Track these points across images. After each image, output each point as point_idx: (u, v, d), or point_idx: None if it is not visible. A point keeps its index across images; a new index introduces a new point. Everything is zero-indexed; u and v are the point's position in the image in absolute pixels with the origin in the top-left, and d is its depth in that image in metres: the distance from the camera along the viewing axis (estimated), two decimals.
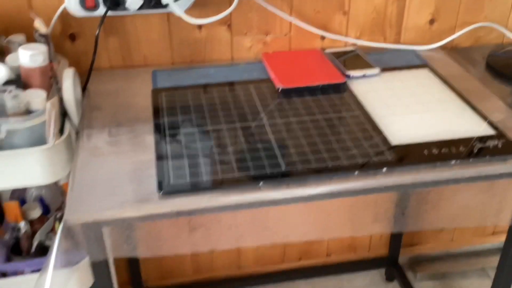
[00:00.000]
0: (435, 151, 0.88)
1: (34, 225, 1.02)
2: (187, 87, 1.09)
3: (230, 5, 1.11)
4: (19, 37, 1.02)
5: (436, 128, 0.95)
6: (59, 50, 1.12)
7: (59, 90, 0.93)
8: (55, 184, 1.08)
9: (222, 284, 1.60)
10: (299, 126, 0.95)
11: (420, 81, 1.12)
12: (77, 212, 0.78)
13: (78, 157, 0.89)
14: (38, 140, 0.86)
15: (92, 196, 0.80)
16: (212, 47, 1.21)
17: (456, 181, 0.86)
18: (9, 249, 1.00)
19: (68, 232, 0.79)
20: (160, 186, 0.81)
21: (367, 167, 0.85)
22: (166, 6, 1.06)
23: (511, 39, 1.31)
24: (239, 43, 1.21)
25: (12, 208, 0.99)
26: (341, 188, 0.83)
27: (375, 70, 1.14)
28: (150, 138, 0.93)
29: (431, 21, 1.27)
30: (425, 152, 0.88)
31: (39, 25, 0.98)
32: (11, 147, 0.85)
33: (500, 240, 1.74)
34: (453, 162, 0.86)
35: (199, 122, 0.97)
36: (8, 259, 0.99)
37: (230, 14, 1.15)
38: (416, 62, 1.20)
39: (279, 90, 1.07)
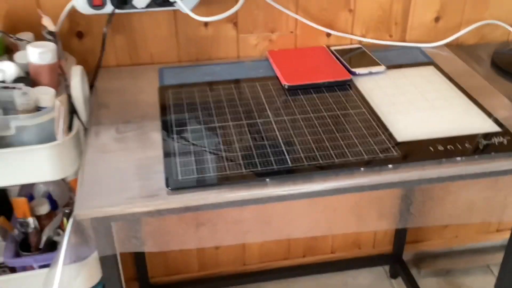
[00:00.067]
0: (440, 147, 0.89)
1: (42, 221, 1.03)
2: (193, 84, 1.10)
3: (236, 3, 1.11)
4: (27, 35, 1.03)
5: (441, 125, 0.96)
6: (67, 48, 1.13)
7: (67, 88, 0.94)
8: (63, 180, 1.10)
9: (227, 280, 1.61)
10: (305, 123, 0.96)
11: (425, 78, 1.12)
12: (86, 207, 0.79)
13: (86, 154, 0.90)
14: (47, 136, 0.87)
15: (101, 192, 0.81)
16: (218, 45, 1.21)
17: (461, 177, 0.87)
18: (18, 245, 1.01)
19: (78, 227, 0.80)
20: (167, 182, 0.82)
21: (373, 163, 0.86)
22: (173, 3, 1.06)
23: None
24: (245, 41, 1.22)
25: (20, 204, 1.00)
26: (347, 184, 0.84)
27: (381, 68, 1.14)
28: (157, 135, 0.94)
29: (437, 19, 1.28)
30: (431, 148, 0.89)
31: (47, 23, 0.99)
32: (21, 143, 0.86)
33: (504, 237, 1.75)
34: (458, 158, 0.87)
35: (205, 119, 0.98)
36: (17, 255, 1.00)
37: (237, 12, 1.15)
38: (421, 60, 1.21)
39: (285, 88, 1.08)
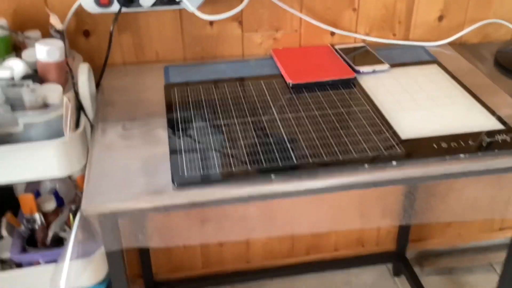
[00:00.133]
0: (444, 145, 0.89)
1: (48, 217, 1.04)
2: (199, 82, 1.11)
3: (241, 1, 1.12)
4: (35, 33, 1.04)
5: (445, 122, 0.96)
6: (74, 46, 1.14)
7: (74, 85, 0.95)
8: (69, 177, 1.10)
9: (230, 277, 1.62)
10: (310, 121, 0.97)
11: (429, 76, 1.13)
12: (93, 203, 0.80)
13: (93, 150, 0.91)
14: (54, 133, 0.88)
15: (107, 188, 0.82)
16: (223, 43, 1.22)
17: (464, 174, 0.87)
18: (25, 241, 1.02)
19: (85, 223, 0.81)
20: (174, 178, 0.83)
21: (377, 160, 0.86)
22: (179, 2, 1.07)
23: None
24: (250, 39, 1.23)
25: (27, 200, 1.01)
26: (351, 181, 0.84)
27: (385, 66, 1.15)
28: (163, 132, 0.95)
29: (440, 18, 1.28)
30: (434, 146, 0.89)
31: (55, 21, 1.00)
32: (28, 140, 0.87)
33: (507, 235, 1.75)
34: (462, 155, 0.87)
35: (211, 117, 0.99)
36: (24, 250, 1.01)
37: (241, 10, 1.16)
38: (425, 58, 1.21)
39: (290, 85, 1.09)
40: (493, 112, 1.00)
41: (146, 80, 1.13)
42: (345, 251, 1.68)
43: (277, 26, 1.22)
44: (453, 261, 1.70)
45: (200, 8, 1.09)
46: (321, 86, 1.09)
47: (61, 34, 0.98)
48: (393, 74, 1.14)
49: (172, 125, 0.96)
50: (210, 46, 1.22)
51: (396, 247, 1.68)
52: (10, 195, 1.12)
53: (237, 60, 1.21)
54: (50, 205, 1.04)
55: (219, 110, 1.01)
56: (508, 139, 0.91)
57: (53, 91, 0.89)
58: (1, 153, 0.85)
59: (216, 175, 0.83)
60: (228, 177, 0.83)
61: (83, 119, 0.95)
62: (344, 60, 1.17)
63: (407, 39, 1.29)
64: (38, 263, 1.00)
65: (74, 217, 1.02)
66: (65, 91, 0.92)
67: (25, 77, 0.91)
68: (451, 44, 1.29)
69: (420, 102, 1.03)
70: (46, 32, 1.03)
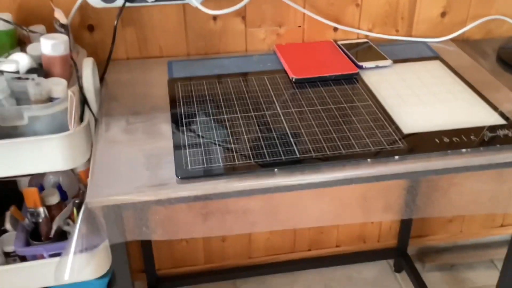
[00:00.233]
0: (446, 139, 0.90)
1: (52, 211, 1.05)
2: (202, 77, 1.11)
3: None
4: (39, 28, 1.04)
5: (447, 118, 0.97)
6: (78, 41, 1.14)
7: (79, 79, 0.96)
8: (72, 172, 1.11)
9: (232, 273, 1.62)
10: (313, 115, 0.97)
11: (431, 72, 1.13)
12: (98, 195, 0.80)
13: (97, 144, 0.91)
14: (59, 127, 0.88)
15: (112, 181, 0.83)
16: (226, 39, 1.23)
17: (466, 169, 0.88)
18: (28, 234, 1.03)
19: (89, 216, 0.81)
20: (177, 171, 0.83)
21: (379, 155, 0.87)
22: None
23: None
24: (253, 35, 1.23)
25: (31, 194, 1.01)
26: (354, 175, 0.85)
27: (387, 62, 1.15)
28: (166, 126, 0.95)
29: (443, 14, 1.29)
30: (436, 140, 0.90)
31: (59, 16, 1.00)
32: (33, 133, 0.87)
33: (508, 232, 1.75)
34: (464, 150, 0.88)
35: (214, 111, 0.99)
36: (28, 244, 1.01)
37: (245, 6, 1.17)
38: (427, 54, 1.22)
39: (293, 81, 1.09)
40: (495, 108, 1.00)
41: (150, 74, 1.13)
42: (347, 247, 1.68)
43: (280, 21, 1.23)
44: (454, 257, 1.71)
45: (204, 3, 1.10)
46: (324, 81, 1.09)
47: (65, 29, 0.99)
48: (396, 70, 1.14)
49: (175, 120, 0.97)
50: (214, 41, 1.22)
51: (398, 243, 1.68)
52: (14, 189, 1.12)
53: (240, 55, 1.22)
54: (54, 199, 1.05)
55: (222, 105, 1.01)
56: (510, 134, 0.92)
57: (57, 85, 0.89)
58: (7, 146, 0.85)
59: (219, 169, 0.84)
60: (231, 171, 0.83)
61: (87, 113, 0.96)
62: (347, 55, 1.18)
63: (410, 35, 1.30)
64: (42, 256, 1.01)
65: (77, 211, 1.03)
66: (69, 85, 0.92)
67: (30, 71, 0.92)
68: (453, 40, 1.29)
69: (423, 98, 1.04)
70: (51, 27, 1.04)
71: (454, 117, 0.97)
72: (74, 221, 1.03)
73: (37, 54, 0.95)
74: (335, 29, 1.26)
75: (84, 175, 1.06)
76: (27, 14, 1.10)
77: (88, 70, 0.96)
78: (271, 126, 0.94)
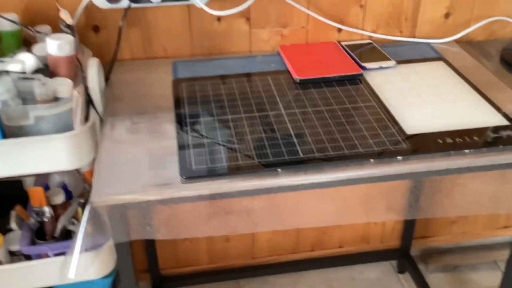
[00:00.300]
0: (449, 140, 0.90)
1: (57, 210, 1.05)
2: (206, 77, 1.12)
3: None
4: (45, 28, 1.05)
5: (450, 118, 0.97)
6: (83, 41, 1.15)
7: (84, 79, 0.96)
8: (77, 171, 1.11)
9: (236, 273, 1.63)
10: (316, 116, 0.98)
11: (435, 73, 1.13)
12: (102, 194, 0.81)
13: (102, 144, 0.92)
14: (64, 126, 0.89)
15: (116, 180, 0.83)
16: (231, 39, 1.23)
17: (469, 169, 0.88)
18: (34, 233, 1.03)
19: (94, 215, 0.82)
20: (181, 171, 0.84)
21: (382, 155, 0.87)
22: None
23: None
24: (257, 36, 1.24)
25: (37, 193, 1.02)
26: (357, 175, 0.85)
27: (391, 63, 1.16)
28: (171, 126, 0.96)
29: (446, 15, 1.29)
30: (440, 141, 0.90)
31: (65, 17, 1.01)
32: (39, 133, 0.88)
33: (511, 233, 1.75)
34: (467, 151, 0.88)
35: (218, 111, 1.00)
36: (33, 243, 1.02)
37: (249, 7, 1.17)
38: (431, 55, 1.22)
39: (297, 81, 1.10)
40: (498, 109, 1.00)
41: (155, 75, 1.14)
42: (350, 247, 1.69)
43: (284, 22, 1.23)
44: (458, 258, 1.71)
45: (209, 4, 1.10)
46: (327, 82, 1.10)
47: (71, 29, 0.99)
48: (400, 71, 1.15)
49: (180, 120, 0.97)
50: (218, 42, 1.23)
51: (401, 244, 1.69)
52: (19, 188, 1.13)
53: (244, 56, 1.22)
54: (59, 198, 1.05)
55: (226, 105, 1.02)
56: None
57: (63, 85, 0.90)
58: (12, 146, 0.86)
59: (223, 169, 0.84)
60: (235, 171, 0.84)
61: (92, 113, 0.96)
62: (351, 56, 1.18)
63: (413, 36, 1.30)
64: (46, 255, 1.01)
65: (82, 210, 1.03)
66: (75, 85, 0.93)
67: (36, 71, 0.92)
68: (457, 41, 1.30)
69: (426, 98, 1.04)
70: (57, 27, 1.05)
71: (457, 118, 0.97)
72: (79, 221, 1.04)
73: (43, 55, 0.96)
74: (339, 30, 1.26)
75: (89, 175, 1.07)
76: (33, 14, 1.10)
77: (93, 70, 0.96)
78: (275, 127, 0.95)
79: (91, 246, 0.85)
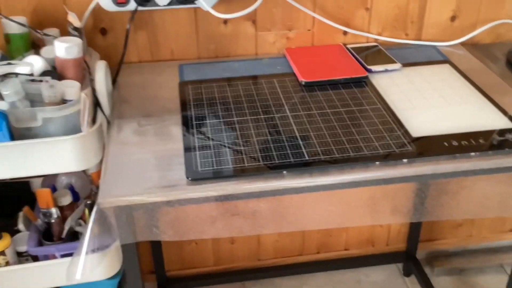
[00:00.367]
0: (455, 143, 0.90)
1: (64, 211, 1.06)
2: (212, 80, 1.12)
3: (255, 1, 1.13)
4: (53, 31, 1.06)
5: (456, 121, 0.97)
6: (91, 44, 1.16)
7: (91, 82, 0.97)
8: (84, 173, 1.12)
9: (241, 275, 1.63)
10: (322, 118, 0.98)
11: (440, 76, 1.13)
12: (109, 196, 0.81)
13: (109, 146, 0.93)
14: (72, 128, 0.90)
15: (123, 182, 0.84)
16: (237, 42, 1.24)
17: (475, 172, 0.88)
18: (41, 234, 1.04)
19: (101, 217, 0.82)
20: (187, 173, 0.84)
21: (388, 158, 0.87)
22: (194, 1, 1.09)
23: None
24: (263, 38, 1.24)
25: (44, 194, 1.03)
26: (362, 178, 0.85)
27: (397, 65, 1.16)
28: (177, 129, 0.97)
29: (452, 18, 1.29)
30: (445, 144, 0.90)
31: (73, 19, 1.02)
32: (47, 134, 0.88)
33: None
34: (472, 154, 0.88)
35: (224, 114, 1.00)
36: (40, 244, 1.02)
37: (255, 9, 1.18)
38: (437, 58, 1.22)
39: (302, 84, 1.10)
40: (504, 112, 1.00)
41: (161, 77, 1.15)
42: (356, 250, 1.68)
43: (290, 25, 1.24)
44: (464, 261, 1.70)
45: (215, 7, 1.11)
46: (333, 84, 1.10)
47: (78, 32, 1.00)
48: (405, 73, 1.15)
49: (186, 122, 0.98)
50: (224, 45, 1.23)
51: (407, 247, 1.68)
52: (27, 190, 1.14)
53: (250, 58, 1.23)
54: (66, 199, 1.06)
55: (232, 108, 1.02)
56: None
57: (71, 87, 0.91)
58: (20, 147, 0.87)
59: (229, 171, 0.85)
60: (240, 173, 0.84)
61: (99, 115, 0.97)
62: (356, 59, 1.18)
63: (419, 39, 1.30)
64: (54, 256, 1.02)
65: (89, 211, 1.04)
66: (82, 87, 0.94)
67: (44, 73, 0.93)
68: (463, 44, 1.30)
69: (432, 101, 1.04)
70: (64, 30, 1.06)
71: (463, 120, 0.97)
72: (86, 222, 1.04)
73: (51, 57, 0.97)
74: (345, 32, 1.27)
75: (96, 176, 1.08)
76: (41, 17, 1.11)
77: (100, 73, 0.97)
78: (280, 129, 0.95)
79: (98, 247, 0.85)
